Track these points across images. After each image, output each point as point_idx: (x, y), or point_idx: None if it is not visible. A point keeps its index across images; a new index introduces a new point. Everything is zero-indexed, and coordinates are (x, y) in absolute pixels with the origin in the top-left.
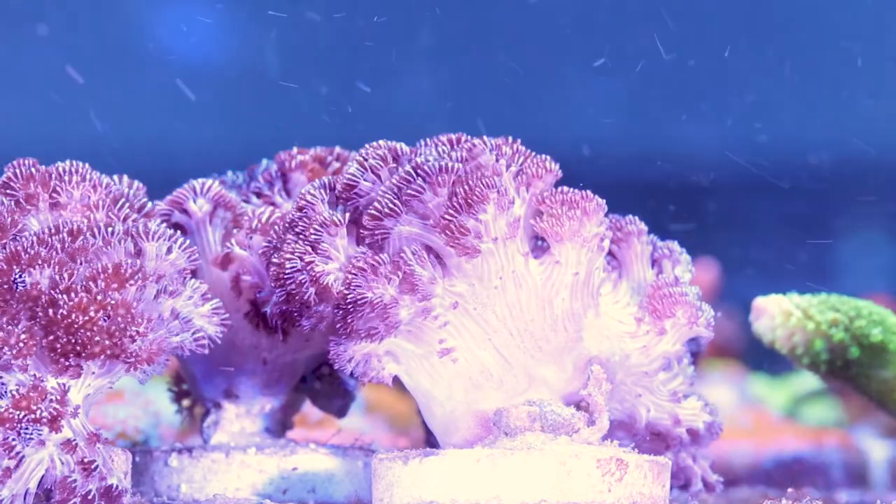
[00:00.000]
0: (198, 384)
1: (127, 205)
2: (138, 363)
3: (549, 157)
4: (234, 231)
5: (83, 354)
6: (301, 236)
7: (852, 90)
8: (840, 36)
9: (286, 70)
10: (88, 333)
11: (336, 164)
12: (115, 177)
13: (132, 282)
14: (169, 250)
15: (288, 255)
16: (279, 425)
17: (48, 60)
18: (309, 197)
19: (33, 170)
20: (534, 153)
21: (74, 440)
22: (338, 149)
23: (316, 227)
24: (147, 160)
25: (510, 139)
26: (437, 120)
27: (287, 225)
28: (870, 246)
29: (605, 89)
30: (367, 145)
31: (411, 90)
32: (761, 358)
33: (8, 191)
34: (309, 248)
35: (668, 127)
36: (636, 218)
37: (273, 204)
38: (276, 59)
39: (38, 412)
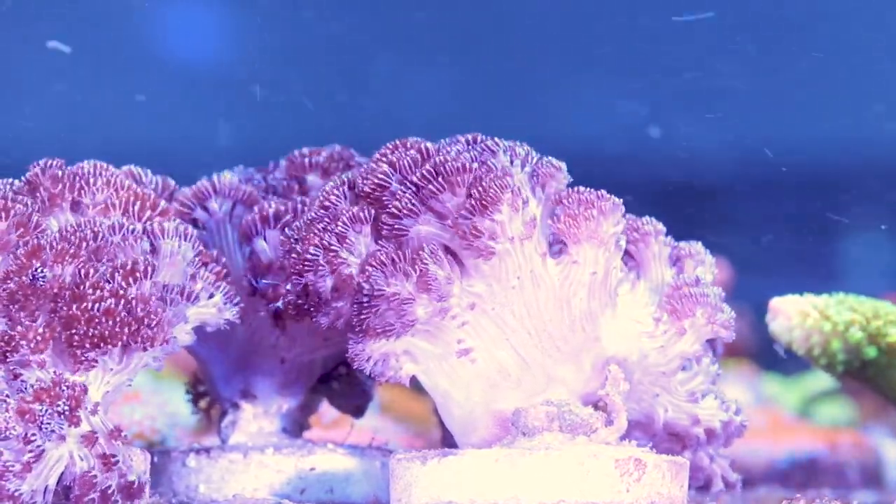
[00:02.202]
0: (215, 384)
1: (149, 204)
2: (153, 344)
3: (554, 158)
4: (248, 218)
5: (101, 345)
6: (326, 230)
7: (858, 89)
8: (843, 34)
9: (287, 70)
10: (106, 324)
11: (349, 164)
12: (138, 170)
13: (147, 275)
14: (179, 246)
15: (312, 245)
16: (296, 425)
17: (50, 60)
18: (334, 194)
19: (57, 171)
20: (543, 155)
21: (95, 435)
22: (350, 150)
23: (343, 221)
24: (149, 161)
25: (521, 142)
26: (439, 120)
27: (310, 220)
28: (879, 245)
29: (610, 89)
30: (391, 144)
31: (413, 90)
32: (774, 358)
33: (29, 189)
34: (334, 240)
35: (675, 127)
36: (653, 219)
37: (288, 200)
38: (276, 58)
39: (59, 406)
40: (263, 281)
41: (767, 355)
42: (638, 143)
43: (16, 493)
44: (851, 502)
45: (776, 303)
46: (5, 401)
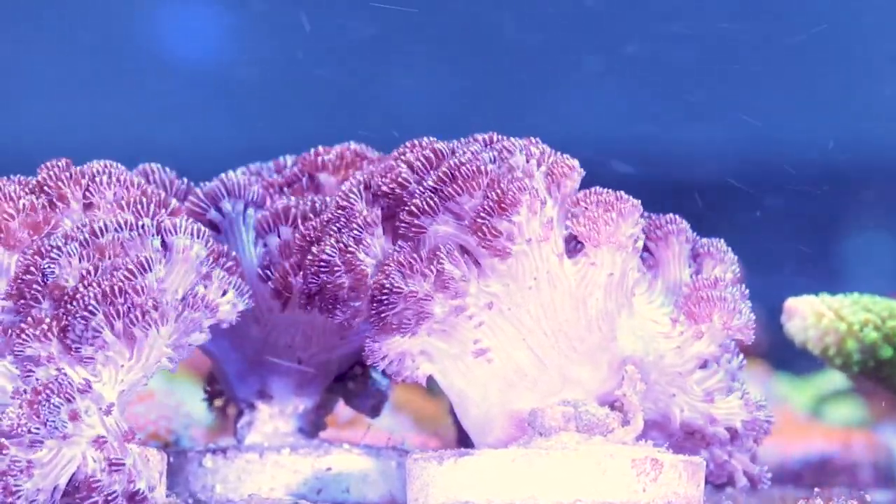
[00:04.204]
0: (231, 384)
1: (160, 202)
2: (164, 347)
3: (569, 156)
4: (259, 216)
5: (92, 340)
6: (342, 231)
7: (860, 88)
8: (844, 34)
9: (289, 68)
10: (95, 318)
11: (363, 161)
12: (152, 166)
13: (148, 267)
14: (192, 243)
15: (329, 245)
16: (312, 426)
17: (52, 61)
18: (351, 196)
19: (68, 171)
20: (558, 152)
21: (106, 437)
22: (356, 146)
23: (358, 223)
24: (154, 161)
25: (535, 140)
26: (442, 119)
27: (326, 220)
28: (887, 245)
29: (613, 90)
30: (407, 144)
31: (416, 89)
32: (785, 357)
33: (43, 189)
34: (351, 241)
35: (677, 127)
36: (676, 217)
37: (300, 197)
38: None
39: (54, 401)
40: (273, 276)
41: (779, 355)
42: (642, 143)
43: (17, 491)
44: (866, 501)
45: (791, 303)
46: (20, 396)
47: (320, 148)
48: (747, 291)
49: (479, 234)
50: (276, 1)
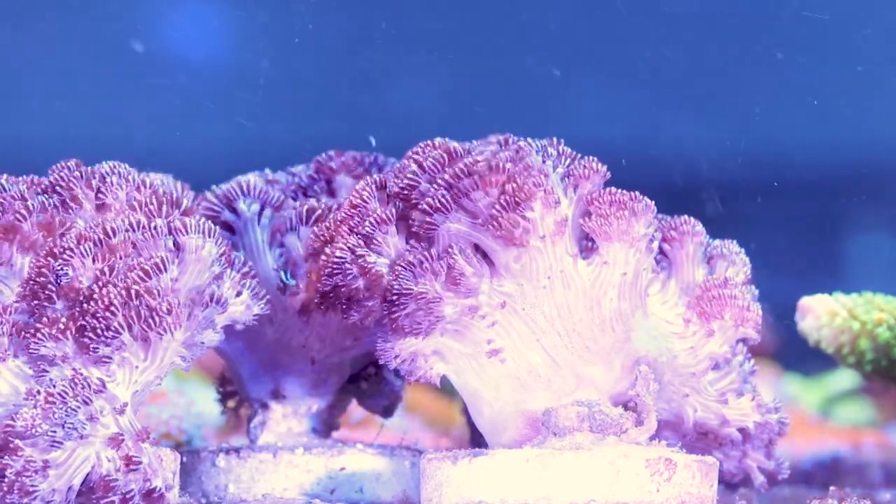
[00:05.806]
0: (245, 384)
1: (172, 202)
2: (178, 348)
3: (596, 159)
4: (277, 215)
5: (108, 338)
6: (354, 231)
7: (859, 89)
8: (844, 34)
9: (289, 69)
10: (113, 316)
11: (377, 165)
12: (159, 176)
13: (163, 268)
14: (204, 242)
15: (340, 247)
16: (325, 426)
17: (54, 61)
18: (364, 194)
19: (78, 172)
20: (580, 155)
21: (121, 436)
22: (376, 153)
23: (370, 222)
24: (159, 162)
25: (555, 140)
26: (442, 120)
27: (339, 220)
28: (886, 246)
29: (617, 91)
30: (421, 144)
31: (416, 90)
32: (795, 358)
33: (55, 190)
34: (361, 242)
35: (676, 128)
36: (691, 218)
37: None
38: (279, 58)
39: (70, 403)
40: (292, 279)
41: (789, 356)
42: (645, 145)
43: (33, 492)
44: (878, 500)
45: (806, 302)
46: (34, 397)
47: (334, 152)
48: (757, 292)
49: (494, 224)
50: (280, 3)
